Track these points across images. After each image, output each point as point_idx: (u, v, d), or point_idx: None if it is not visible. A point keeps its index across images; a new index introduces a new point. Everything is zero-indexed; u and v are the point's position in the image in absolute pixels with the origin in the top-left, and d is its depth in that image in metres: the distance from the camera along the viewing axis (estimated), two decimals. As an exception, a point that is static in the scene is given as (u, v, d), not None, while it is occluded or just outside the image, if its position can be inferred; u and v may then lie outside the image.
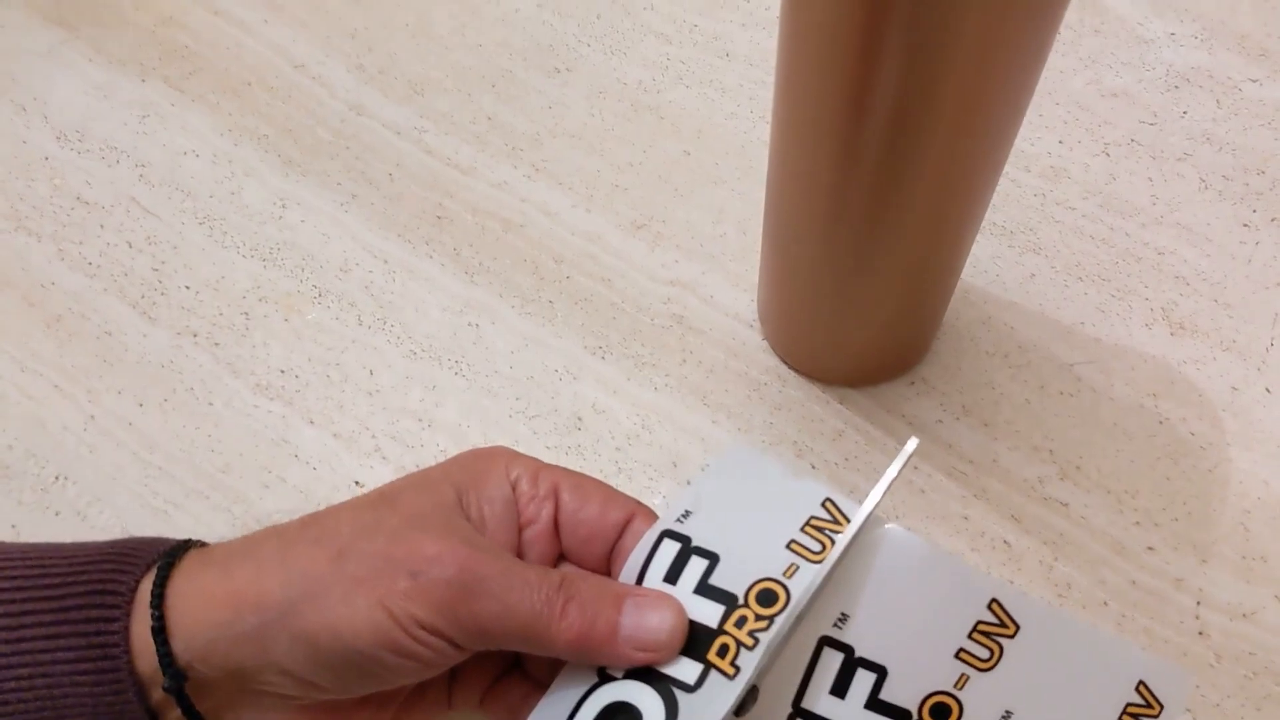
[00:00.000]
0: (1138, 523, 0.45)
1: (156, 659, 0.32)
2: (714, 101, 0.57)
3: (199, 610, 0.32)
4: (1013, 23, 0.32)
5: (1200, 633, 0.42)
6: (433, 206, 0.54)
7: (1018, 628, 0.35)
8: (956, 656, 0.34)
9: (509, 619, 0.32)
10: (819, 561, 0.34)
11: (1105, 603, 0.43)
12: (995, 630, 0.35)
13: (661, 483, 0.46)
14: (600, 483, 0.36)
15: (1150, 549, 0.44)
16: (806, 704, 0.34)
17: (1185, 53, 0.58)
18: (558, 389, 0.48)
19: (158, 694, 0.33)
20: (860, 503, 0.35)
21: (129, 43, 0.59)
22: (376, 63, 0.59)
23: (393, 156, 0.55)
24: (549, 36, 0.59)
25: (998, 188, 0.48)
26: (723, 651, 0.33)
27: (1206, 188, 0.53)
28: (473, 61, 0.59)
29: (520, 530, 0.35)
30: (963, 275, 0.46)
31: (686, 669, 0.33)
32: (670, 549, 0.35)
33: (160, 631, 0.32)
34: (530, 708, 0.34)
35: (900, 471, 0.35)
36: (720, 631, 0.34)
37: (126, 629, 0.32)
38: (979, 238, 0.49)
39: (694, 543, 0.35)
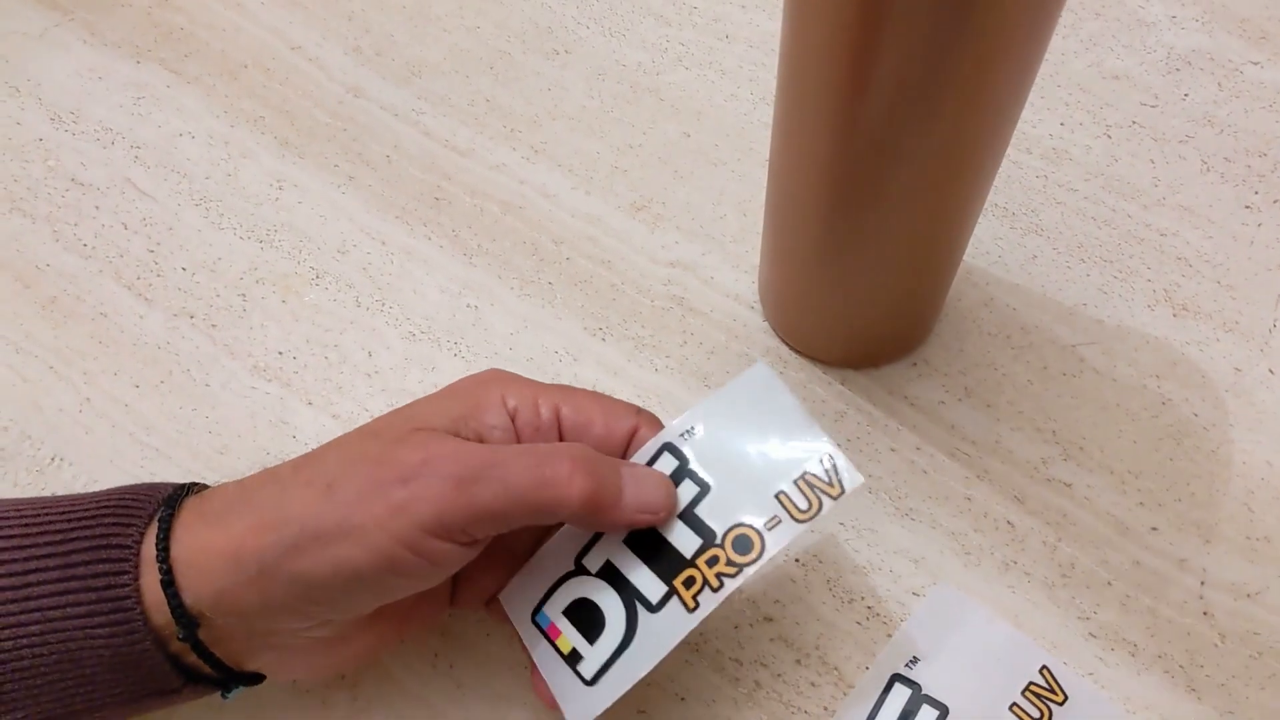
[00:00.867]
0: (1141, 503, 0.44)
1: (169, 611, 0.32)
2: (714, 83, 0.57)
3: (204, 563, 0.32)
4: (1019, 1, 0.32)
5: (1204, 613, 0.42)
6: (431, 188, 0.53)
7: (1066, 697, 0.39)
8: (1010, 709, 0.38)
9: (512, 494, 0.32)
10: (802, 521, 0.35)
11: (1109, 583, 0.43)
12: (1046, 694, 0.39)
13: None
14: (597, 397, 0.37)
15: (1154, 529, 0.44)
16: None
17: (1186, 35, 0.57)
18: (558, 370, 0.48)
19: (177, 642, 0.33)
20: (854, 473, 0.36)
21: (124, 25, 0.59)
22: (374, 44, 0.58)
23: (390, 138, 0.55)
24: (548, 18, 0.59)
25: (1000, 169, 0.48)
26: (689, 583, 0.35)
27: (1208, 170, 0.53)
28: (471, 43, 0.58)
29: None
30: (965, 257, 0.46)
31: (652, 587, 0.35)
32: (668, 463, 0.36)
33: (170, 585, 0.32)
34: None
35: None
36: (691, 563, 0.35)
37: (137, 581, 0.32)
38: (981, 219, 0.49)
39: (690, 464, 0.36)
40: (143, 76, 0.57)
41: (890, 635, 0.41)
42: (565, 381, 0.47)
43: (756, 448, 0.36)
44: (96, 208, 0.53)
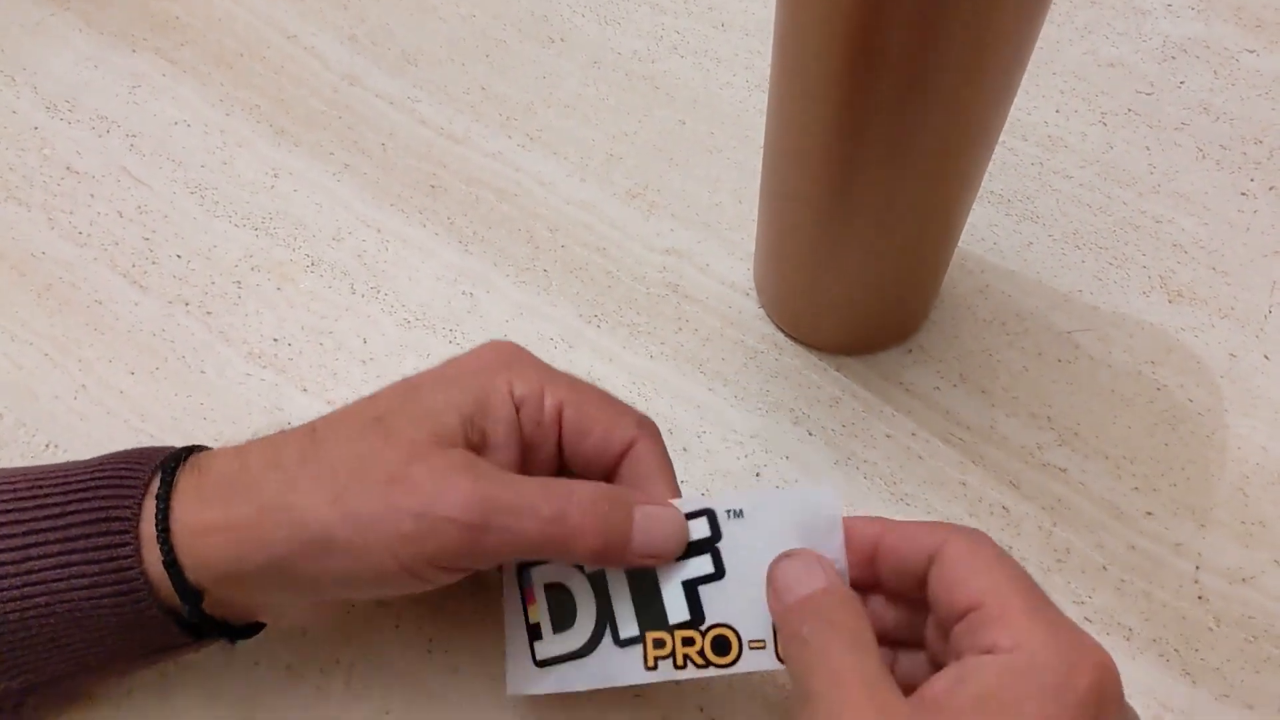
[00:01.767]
0: (1136, 488, 0.44)
1: (171, 584, 0.33)
2: (709, 71, 0.57)
3: (205, 546, 0.33)
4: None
5: (1199, 597, 0.42)
6: (426, 176, 0.53)
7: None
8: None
9: (521, 543, 0.33)
10: (783, 662, 0.34)
11: (1104, 567, 0.43)
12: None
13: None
14: (603, 400, 0.36)
15: (1149, 514, 0.44)
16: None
17: (1182, 23, 0.57)
18: (553, 357, 0.48)
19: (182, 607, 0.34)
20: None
21: (119, 14, 0.59)
22: (369, 33, 0.58)
23: (386, 126, 0.55)
24: (543, 6, 0.59)
25: (995, 156, 0.48)
26: (659, 644, 0.35)
27: (1204, 157, 0.53)
28: (466, 32, 0.58)
29: (523, 452, 0.36)
30: (960, 243, 0.46)
31: (627, 623, 0.35)
32: (700, 529, 0.35)
33: (173, 564, 0.33)
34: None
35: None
36: (669, 629, 0.35)
37: (138, 553, 0.33)
38: (976, 206, 0.49)
39: (719, 544, 0.35)
40: (138, 65, 0.57)
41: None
42: (561, 367, 0.47)
43: None
44: (92, 196, 0.53)
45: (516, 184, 0.53)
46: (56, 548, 0.32)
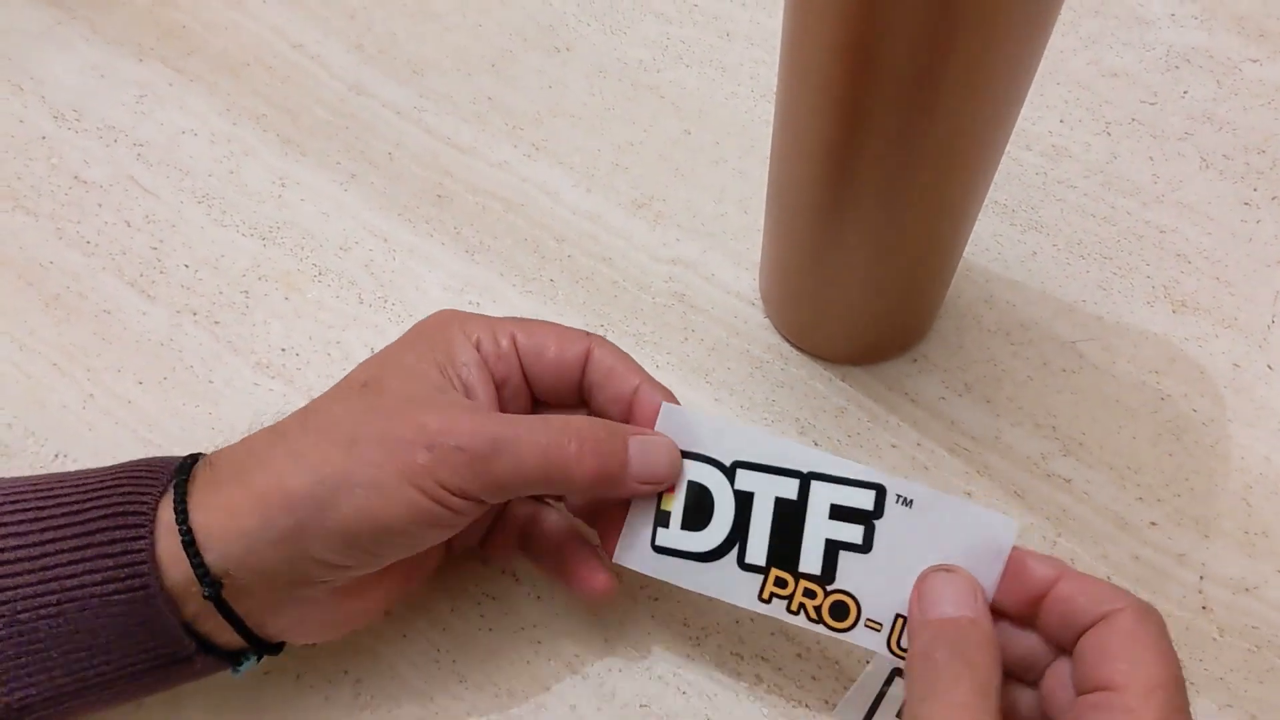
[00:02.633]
0: (1140, 498, 0.45)
1: (189, 570, 0.33)
2: (715, 81, 0.57)
3: (227, 520, 0.33)
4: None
5: (1203, 607, 0.42)
6: (433, 186, 0.53)
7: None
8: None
9: (526, 471, 0.34)
10: (893, 656, 0.35)
11: (1108, 577, 0.43)
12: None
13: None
14: (550, 325, 0.39)
15: (1153, 524, 0.44)
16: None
17: (1185, 33, 0.58)
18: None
19: (191, 606, 0.34)
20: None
21: (126, 23, 0.59)
22: (376, 42, 0.58)
23: (392, 136, 0.55)
24: (549, 16, 0.59)
25: (999, 166, 0.48)
26: (780, 583, 0.36)
27: (1207, 167, 0.53)
28: (472, 41, 0.58)
29: (498, 389, 0.37)
30: (965, 253, 0.46)
31: (757, 552, 0.36)
32: (864, 500, 0.36)
33: (191, 545, 0.33)
34: (524, 536, 0.40)
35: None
36: (797, 576, 0.36)
37: (152, 546, 0.33)
38: (981, 216, 0.49)
39: (875, 521, 0.36)
40: (145, 74, 0.57)
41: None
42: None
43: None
44: (99, 205, 0.53)
45: (523, 194, 0.53)
46: (74, 542, 0.33)
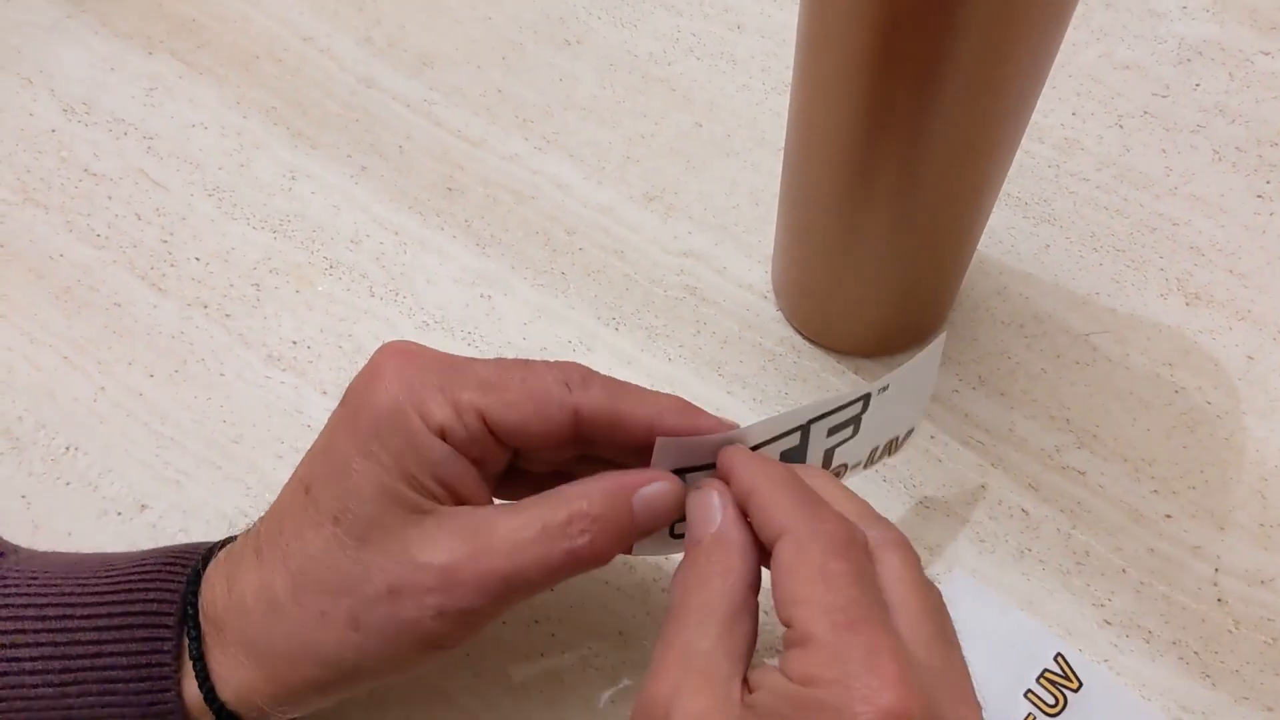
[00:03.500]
0: (1155, 491, 0.44)
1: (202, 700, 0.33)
2: (725, 73, 0.57)
3: (248, 695, 0.33)
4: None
5: (1219, 600, 0.42)
6: (443, 179, 0.53)
7: (1081, 684, 0.40)
8: (1026, 697, 0.39)
9: (539, 588, 0.32)
10: None
11: (1123, 570, 0.43)
12: (1061, 681, 0.40)
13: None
14: (516, 385, 0.33)
15: (1168, 517, 0.44)
16: None
17: (1197, 26, 0.57)
18: (571, 360, 0.48)
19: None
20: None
21: (135, 16, 0.59)
22: (385, 35, 0.58)
23: (403, 129, 0.55)
24: (559, 9, 0.59)
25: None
26: None
27: (1220, 159, 0.53)
28: (482, 34, 0.58)
29: (478, 468, 0.33)
30: (978, 246, 0.46)
31: None
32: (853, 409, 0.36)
33: (212, 698, 0.33)
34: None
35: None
36: None
37: (179, 692, 0.33)
38: (994, 209, 0.49)
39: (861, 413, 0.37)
40: (155, 67, 0.57)
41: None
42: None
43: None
44: (109, 198, 0.53)
45: (534, 186, 0.53)
46: (97, 689, 0.33)
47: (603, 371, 0.47)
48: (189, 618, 0.33)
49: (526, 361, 0.34)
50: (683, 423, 0.34)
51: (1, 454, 0.46)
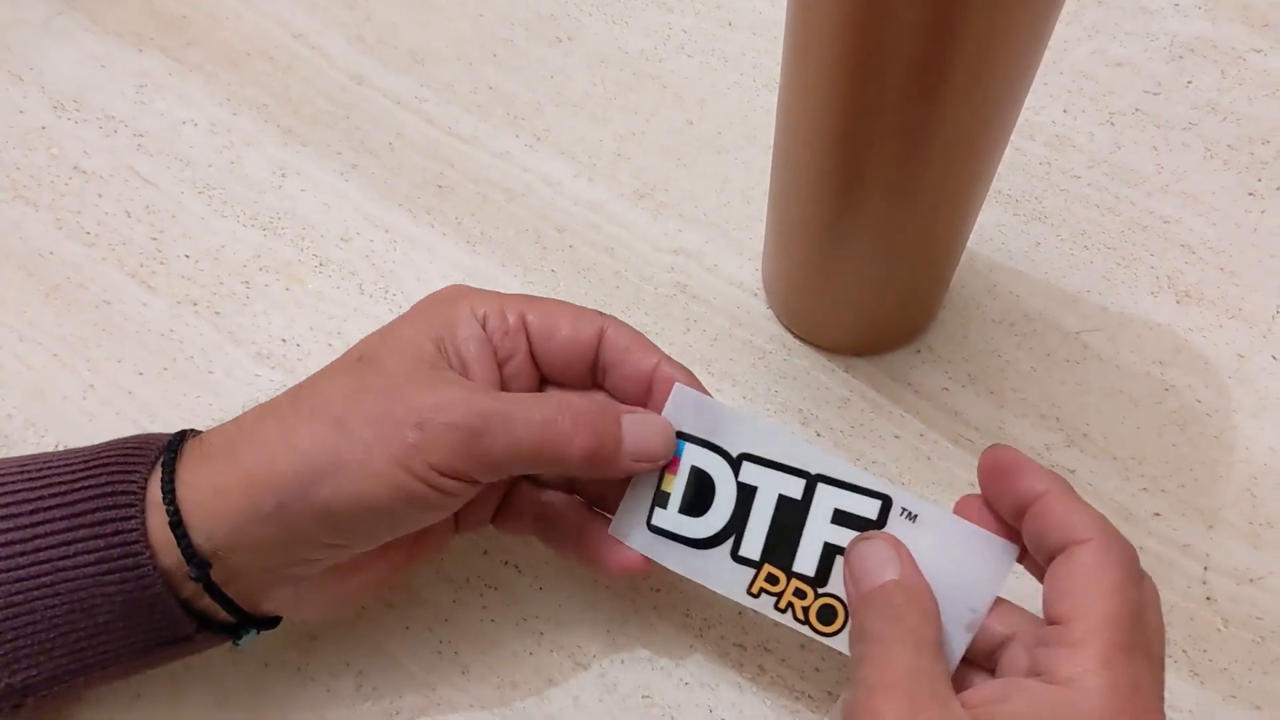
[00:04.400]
0: (1144, 489, 0.44)
1: (179, 552, 0.33)
2: (717, 70, 0.56)
3: (214, 501, 0.33)
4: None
5: (1208, 598, 0.42)
6: (434, 176, 0.53)
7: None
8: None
9: (518, 449, 0.33)
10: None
11: (1112, 568, 0.43)
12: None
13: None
14: (562, 304, 0.38)
15: (1157, 515, 0.44)
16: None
17: (1189, 23, 0.57)
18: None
19: (189, 586, 0.33)
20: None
21: (126, 13, 0.59)
22: (376, 32, 0.58)
23: (393, 126, 0.55)
24: (550, 5, 0.59)
25: (1003, 156, 0.48)
26: (771, 579, 0.36)
27: (1211, 157, 0.53)
28: (473, 31, 0.58)
29: (500, 366, 0.37)
30: (968, 244, 0.46)
31: (753, 545, 0.36)
32: (869, 508, 0.36)
33: (178, 525, 0.33)
34: (538, 518, 0.39)
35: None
36: (789, 575, 0.36)
37: (144, 526, 0.33)
38: (984, 206, 0.49)
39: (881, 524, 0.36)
40: (145, 65, 0.57)
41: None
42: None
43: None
44: (99, 196, 0.53)
45: (524, 184, 0.53)
46: (63, 524, 0.32)
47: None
48: (169, 445, 0.35)
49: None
50: (693, 384, 0.37)
51: (-10, 452, 0.46)
